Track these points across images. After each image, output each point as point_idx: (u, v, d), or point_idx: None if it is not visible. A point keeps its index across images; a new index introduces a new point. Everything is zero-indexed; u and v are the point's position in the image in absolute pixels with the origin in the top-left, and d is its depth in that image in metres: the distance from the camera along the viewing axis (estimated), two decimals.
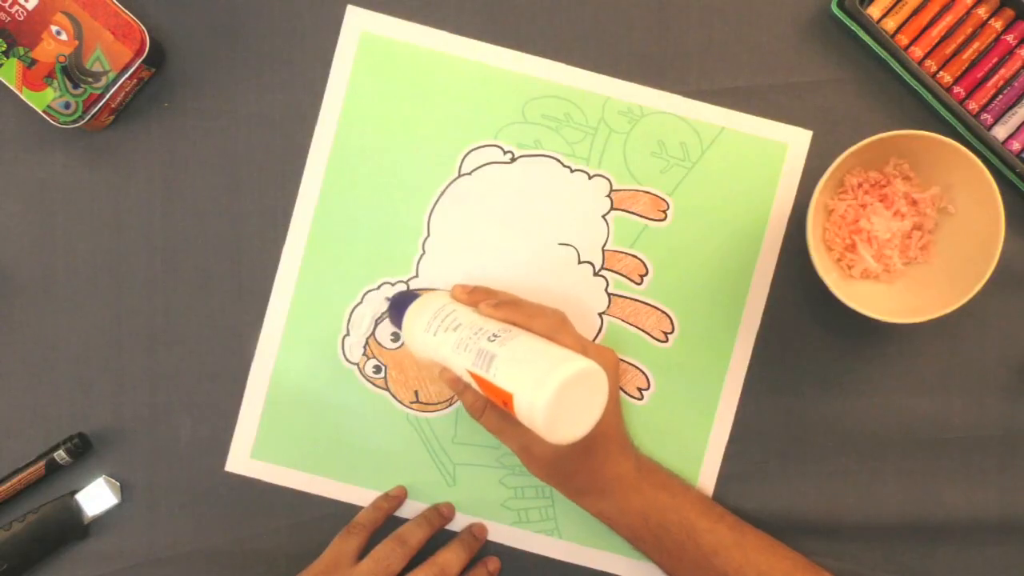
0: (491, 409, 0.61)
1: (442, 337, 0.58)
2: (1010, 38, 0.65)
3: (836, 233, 0.64)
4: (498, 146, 0.67)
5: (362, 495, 0.67)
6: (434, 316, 0.59)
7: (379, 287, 0.67)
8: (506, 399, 0.52)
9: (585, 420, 0.52)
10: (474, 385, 0.56)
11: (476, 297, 0.62)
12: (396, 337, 0.67)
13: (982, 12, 0.65)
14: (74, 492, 0.66)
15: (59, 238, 0.67)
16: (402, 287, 0.67)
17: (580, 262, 0.67)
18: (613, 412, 0.62)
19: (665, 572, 0.64)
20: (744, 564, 0.61)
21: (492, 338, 0.55)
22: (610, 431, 0.62)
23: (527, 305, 0.60)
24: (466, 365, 0.55)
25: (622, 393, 0.67)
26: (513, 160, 0.67)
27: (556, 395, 0.50)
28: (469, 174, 0.67)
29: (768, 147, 0.67)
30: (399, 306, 0.63)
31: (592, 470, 0.61)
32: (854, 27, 0.65)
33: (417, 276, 0.67)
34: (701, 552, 0.61)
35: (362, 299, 0.67)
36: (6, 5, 0.62)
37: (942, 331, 0.67)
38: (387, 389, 0.67)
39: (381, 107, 0.67)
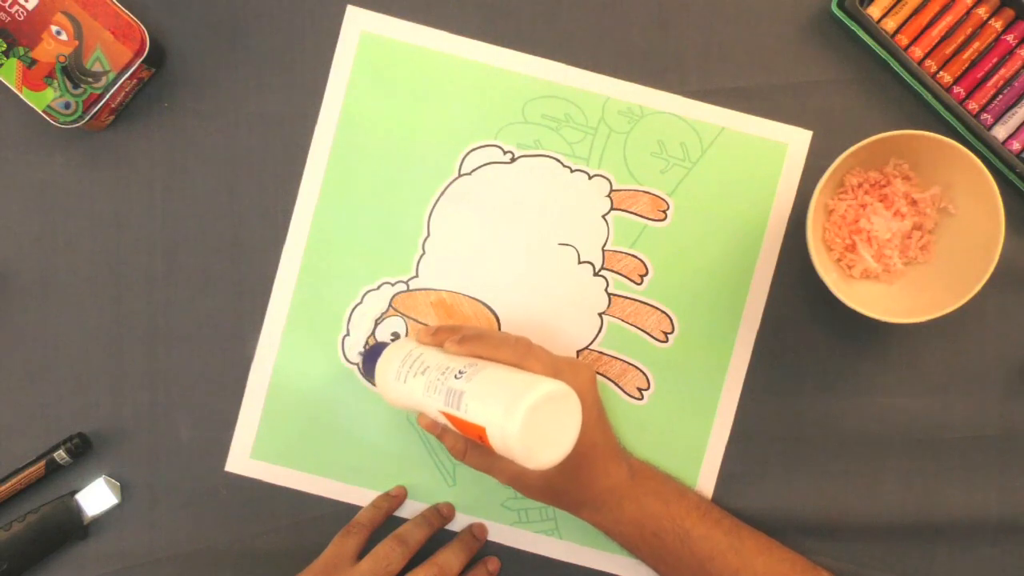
0: (472, 448, 0.61)
1: (412, 383, 0.57)
2: (1010, 38, 0.65)
3: (836, 233, 0.64)
4: (498, 146, 0.67)
5: (362, 495, 0.67)
6: (402, 363, 0.59)
7: (379, 287, 0.67)
8: (480, 433, 0.52)
9: (562, 442, 0.52)
10: (449, 426, 0.56)
11: (440, 337, 0.60)
12: (396, 337, 0.67)
13: (982, 12, 0.65)
14: (74, 492, 0.66)
15: (59, 238, 0.67)
16: (402, 287, 0.67)
17: (580, 262, 0.67)
18: (598, 425, 0.61)
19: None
20: (741, 568, 0.61)
21: (459, 375, 0.54)
22: (598, 444, 0.61)
23: (491, 336, 0.59)
24: (438, 406, 0.55)
25: (622, 394, 0.67)
26: (513, 160, 0.67)
27: (526, 421, 0.49)
28: (469, 174, 0.67)
29: (768, 147, 0.67)
30: (370, 360, 0.62)
31: (584, 485, 0.61)
32: (854, 27, 0.65)
33: (417, 276, 0.67)
34: (696, 559, 0.61)
35: (362, 299, 0.67)
36: (6, 5, 0.62)
37: (942, 331, 0.67)
38: None
39: (381, 107, 0.67)
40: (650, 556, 0.63)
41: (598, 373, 0.67)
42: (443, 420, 0.56)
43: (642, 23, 0.67)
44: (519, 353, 0.56)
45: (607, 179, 0.67)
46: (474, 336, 0.58)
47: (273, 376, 0.67)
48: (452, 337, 0.58)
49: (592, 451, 0.60)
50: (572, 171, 0.67)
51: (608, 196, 0.67)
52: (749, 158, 0.67)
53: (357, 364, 0.67)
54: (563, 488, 0.61)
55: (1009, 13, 0.65)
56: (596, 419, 0.61)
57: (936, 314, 0.59)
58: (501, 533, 0.68)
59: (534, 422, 0.50)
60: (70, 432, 0.66)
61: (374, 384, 0.63)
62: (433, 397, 0.55)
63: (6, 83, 0.63)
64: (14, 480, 0.65)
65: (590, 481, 0.61)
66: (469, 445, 0.61)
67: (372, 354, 0.63)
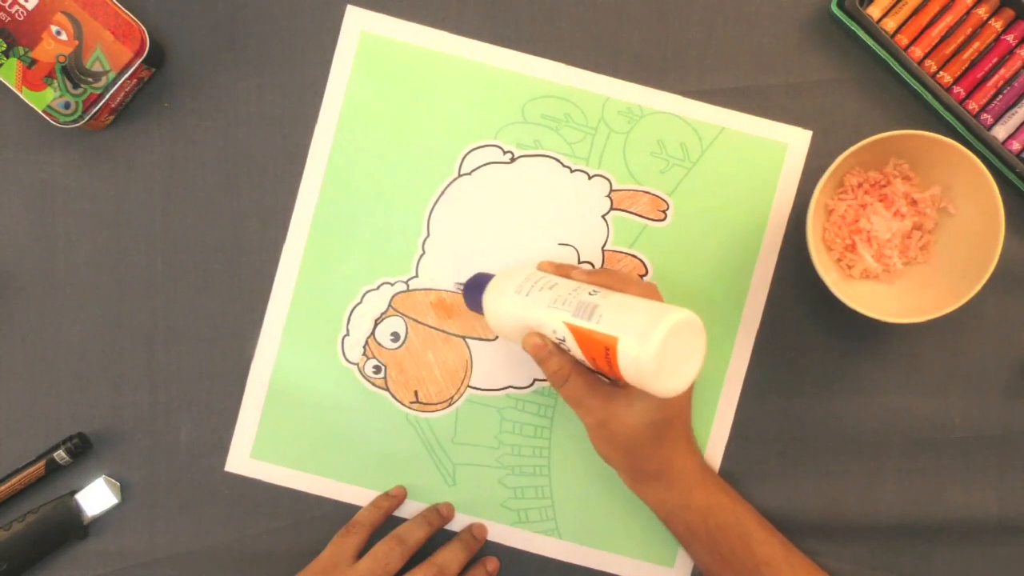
0: (575, 377, 0.59)
1: (536, 296, 0.57)
2: (1010, 38, 0.65)
3: (836, 233, 0.64)
4: (498, 146, 0.67)
5: (362, 495, 0.67)
6: (525, 280, 0.59)
7: (379, 287, 0.67)
8: (609, 346, 0.51)
9: (687, 372, 0.52)
10: (569, 340, 0.55)
11: (565, 269, 0.61)
12: (396, 337, 0.67)
13: (982, 12, 0.65)
14: (74, 492, 0.66)
15: (59, 238, 0.67)
16: (401, 287, 0.67)
17: (580, 262, 0.67)
18: (687, 400, 0.63)
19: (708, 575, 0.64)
20: None
21: (592, 293, 0.55)
22: (685, 419, 0.62)
23: (620, 273, 0.61)
24: (564, 318, 0.55)
25: None
26: (513, 160, 0.67)
27: (665, 340, 0.50)
28: (469, 174, 0.67)
29: (768, 147, 0.67)
30: (476, 286, 0.62)
31: (663, 457, 0.61)
32: (854, 27, 0.65)
33: (417, 276, 0.67)
34: (753, 561, 0.61)
35: (362, 299, 0.67)
36: (6, 5, 0.62)
37: (942, 331, 0.67)
38: (387, 389, 0.67)
39: (381, 107, 0.67)
40: (707, 549, 0.62)
41: None
42: (561, 335, 0.55)
43: (642, 23, 0.67)
44: (647, 292, 0.58)
45: (607, 179, 0.67)
46: (603, 270, 0.60)
47: (273, 376, 0.67)
48: (580, 268, 0.61)
49: (679, 424, 0.61)
50: (572, 171, 0.67)
51: (608, 196, 0.67)
52: (749, 158, 0.67)
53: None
54: (642, 452, 0.61)
55: (1009, 13, 0.65)
56: (690, 391, 0.61)
57: (936, 314, 0.59)
58: (501, 533, 0.68)
59: (670, 343, 0.50)
60: (70, 432, 0.66)
61: (474, 309, 0.62)
62: (559, 310, 0.55)
63: (6, 83, 0.63)
64: (14, 480, 0.66)
65: (668, 455, 0.61)
66: (573, 372, 0.59)
67: (476, 282, 0.63)
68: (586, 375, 0.59)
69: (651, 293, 0.59)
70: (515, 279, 0.60)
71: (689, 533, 0.62)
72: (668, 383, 0.51)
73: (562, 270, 0.61)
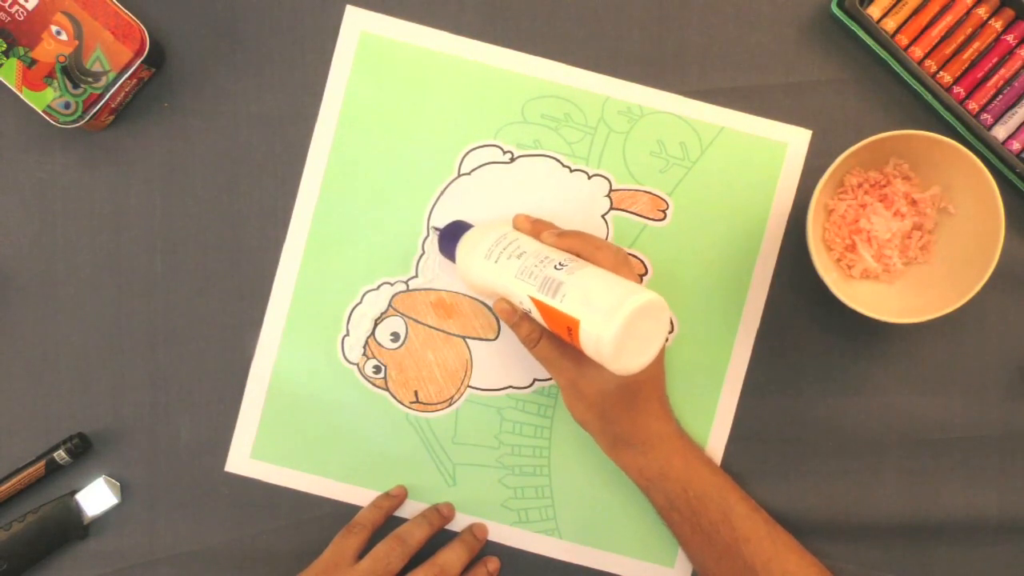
0: (547, 340, 0.60)
1: (504, 264, 0.58)
2: (1010, 38, 0.65)
3: (836, 233, 0.64)
4: (497, 146, 0.67)
5: (362, 495, 0.67)
6: (495, 243, 0.59)
7: (379, 287, 0.67)
8: (571, 326, 0.53)
9: (647, 351, 0.53)
10: (534, 313, 0.56)
11: (539, 227, 0.61)
12: (396, 337, 0.67)
13: (982, 12, 0.65)
14: (74, 492, 0.66)
15: (59, 238, 0.67)
16: (401, 287, 0.67)
17: None
18: (659, 366, 0.62)
19: (689, 552, 0.64)
20: (773, 558, 0.61)
21: (559, 267, 0.55)
22: (656, 384, 0.62)
23: (591, 238, 0.60)
24: (530, 292, 0.55)
25: None
26: (513, 160, 0.67)
27: (626, 324, 0.51)
28: (468, 174, 0.67)
29: (768, 147, 0.67)
30: (451, 235, 0.63)
31: (635, 420, 0.61)
32: (854, 27, 0.65)
33: (417, 276, 0.67)
34: (734, 536, 0.61)
35: (362, 299, 0.67)
36: (6, 5, 0.62)
37: (942, 331, 0.67)
38: (387, 389, 0.67)
39: (380, 107, 0.67)
40: (686, 522, 0.62)
41: None
42: (527, 307, 0.56)
43: (642, 23, 0.67)
44: (617, 260, 0.58)
45: (606, 179, 0.67)
46: (574, 234, 0.59)
47: (273, 376, 0.67)
48: (552, 230, 0.60)
49: (650, 388, 0.61)
50: (571, 171, 0.67)
51: (607, 196, 0.67)
52: (749, 158, 0.67)
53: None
54: (613, 414, 0.61)
55: (1009, 13, 0.65)
56: (660, 356, 0.61)
57: (936, 314, 0.59)
58: (501, 533, 0.68)
59: (630, 327, 0.51)
60: (70, 432, 0.66)
61: (447, 257, 0.63)
62: (526, 282, 0.56)
63: (6, 83, 0.63)
64: (14, 480, 0.66)
65: (643, 417, 0.61)
66: (544, 334, 0.60)
67: (452, 231, 0.63)
68: (558, 337, 0.59)
69: (620, 262, 0.58)
70: (486, 241, 0.60)
71: (669, 504, 0.62)
72: (628, 363, 0.52)
73: (537, 227, 0.62)
